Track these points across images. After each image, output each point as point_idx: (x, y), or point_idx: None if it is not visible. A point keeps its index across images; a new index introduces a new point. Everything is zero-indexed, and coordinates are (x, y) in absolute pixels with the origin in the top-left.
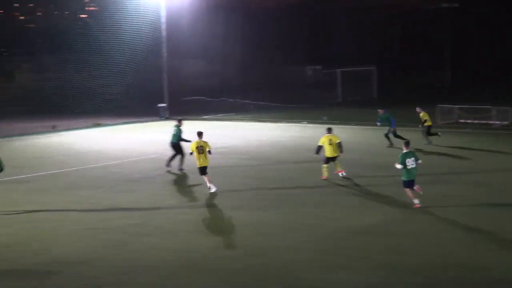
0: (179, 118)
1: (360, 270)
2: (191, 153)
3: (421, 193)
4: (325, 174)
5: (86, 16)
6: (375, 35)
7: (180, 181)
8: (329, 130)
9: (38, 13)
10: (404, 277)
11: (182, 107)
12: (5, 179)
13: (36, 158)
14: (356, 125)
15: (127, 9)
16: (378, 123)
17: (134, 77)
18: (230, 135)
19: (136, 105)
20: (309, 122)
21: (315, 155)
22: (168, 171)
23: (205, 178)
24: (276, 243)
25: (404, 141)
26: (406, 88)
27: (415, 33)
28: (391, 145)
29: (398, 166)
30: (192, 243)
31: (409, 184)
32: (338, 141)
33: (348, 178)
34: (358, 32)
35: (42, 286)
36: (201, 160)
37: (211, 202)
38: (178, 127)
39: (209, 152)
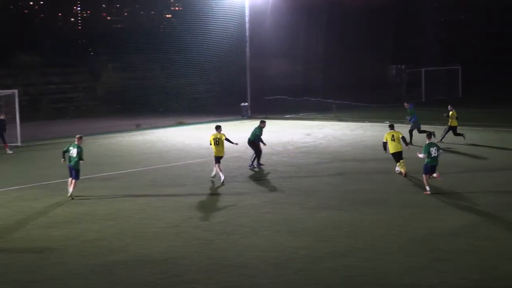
0: (263, 119)
1: (449, 273)
2: (210, 144)
3: (440, 179)
4: (402, 170)
5: (170, 16)
6: (460, 34)
7: (263, 180)
8: (391, 127)
9: (125, 14)
10: (499, 283)
11: (264, 106)
12: (89, 176)
13: (120, 156)
14: (440, 124)
15: (212, 8)
16: (409, 119)
17: (217, 76)
18: (312, 135)
19: (219, 104)
20: (391, 122)
21: (384, 152)
22: (252, 169)
23: (217, 166)
24: (361, 244)
25: (427, 133)
26: (492, 88)
27: (500, 31)
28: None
29: (421, 155)
30: (275, 242)
31: (431, 168)
32: (401, 135)
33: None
34: (443, 31)
35: (124, 283)
36: (217, 150)
37: (294, 201)
38: (260, 128)
39: (227, 139)
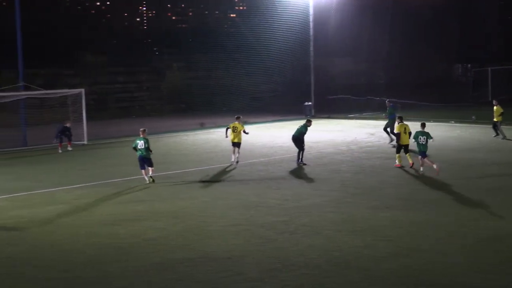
0: (309, 119)
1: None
2: (227, 129)
3: (435, 166)
4: (410, 160)
5: (235, 15)
6: None
7: (325, 179)
8: (401, 119)
9: (189, 13)
10: None
11: (327, 105)
12: (154, 174)
13: (184, 154)
14: (507, 124)
15: (276, 8)
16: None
17: (280, 75)
18: (376, 134)
19: (281, 103)
20: (457, 122)
21: (395, 143)
22: (301, 165)
23: (235, 150)
24: (425, 244)
25: (421, 123)
26: None
27: None
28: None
29: (412, 140)
30: (337, 242)
31: (422, 154)
32: (409, 130)
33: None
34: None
35: (186, 281)
36: (233, 136)
37: (357, 200)
38: (306, 126)
39: (244, 131)
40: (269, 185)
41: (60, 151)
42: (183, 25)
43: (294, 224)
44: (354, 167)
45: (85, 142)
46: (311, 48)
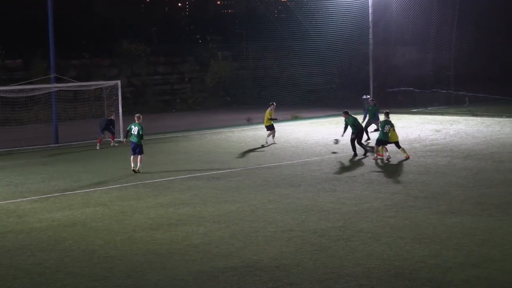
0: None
1: None
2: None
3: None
4: (405, 154)
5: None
6: None
7: (386, 181)
8: (387, 115)
9: None
10: None
11: (388, 99)
12: (196, 174)
13: (229, 153)
14: None
15: None
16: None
17: (337, 66)
18: (442, 131)
19: (338, 96)
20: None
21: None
22: (373, 171)
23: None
24: (497, 253)
25: (385, 111)
26: None
27: None
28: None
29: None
30: (399, 250)
31: (381, 142)
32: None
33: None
34: None
35: None
36: (265, 122)
37: (421, 204)
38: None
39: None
40: (323, 187)
41: (98, 147)
42: (229, 11)
43: (350, 230)
44: (418, 167)
45: (122, 139)
46: (370, 36)
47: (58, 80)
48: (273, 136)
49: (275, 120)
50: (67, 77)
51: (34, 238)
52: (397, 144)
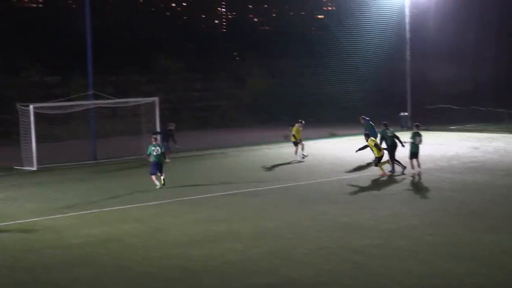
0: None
1: None
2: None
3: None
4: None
5: (323, 16)
6: None
7: (424, 198)
8: (417, 127)
9: (273, 14)
10: None
11: (425, 116)
12: (233, 191)
13: (267, 169)
14: None
15: (368, 8)
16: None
17: (373, 83)
18: (481, 149)
19: (375, 113)
20: None
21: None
22: (410, 188)
23: (296, 147)
24: None
25: (415, 123)
26: None
27: None
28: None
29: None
30: (437, 268)
31: (414, 155)
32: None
33: None
34: None
35: None
36: (293, 137)
37: (459, 222)
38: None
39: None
40: (361, 204)
41: (168, 160)
42: (266, 28)
43: (388, 248)
44: (456, 184)
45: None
46: (408, 53)
47: (96, 96)
48: (302, 149)
49: (296, 141)
50: (104, 94)
51: (71, 254)
52: (376, 160)
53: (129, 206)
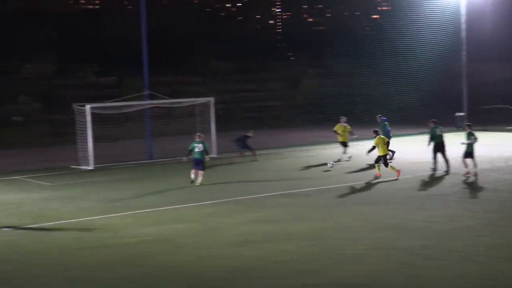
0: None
1: None
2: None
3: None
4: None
5: (378, 16)
6: None
7: (480, 199)
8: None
9: (327, 15)
10: None
11: (482, 116)
12: (288, 192)
13: (320, 170)
14: None
15: (423, 8)
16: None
17: (429, 83)
18: None
19: (430, 114)
20: None
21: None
22: (465, 188)
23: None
24: None
25: (467, 123)
26: None
27: None
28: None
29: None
30: (491, 270)
31: (469, 155)
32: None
33: None
34: None
35: None
36: (342, 137)
37: None
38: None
39: (350, 132)
40: (413, 204)
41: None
42: (320, 28)
43: (441, 249)
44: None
45: (215, 156)
46: (464, 53)
47: (151, 97)
48: (343, 152)
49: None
50: (159, 94)
51: (125, 253)
52: (378, 158)
53: (183, 205)
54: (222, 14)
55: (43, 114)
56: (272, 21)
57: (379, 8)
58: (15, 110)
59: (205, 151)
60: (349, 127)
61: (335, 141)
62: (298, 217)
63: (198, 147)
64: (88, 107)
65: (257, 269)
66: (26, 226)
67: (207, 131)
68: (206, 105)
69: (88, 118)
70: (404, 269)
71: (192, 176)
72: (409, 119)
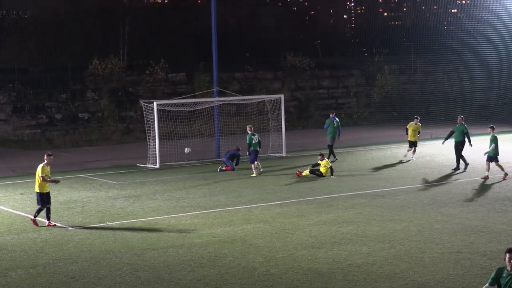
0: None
1: None
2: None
3: None
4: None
5: (456, 10)
6: None
7: None
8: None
9: (404, 9)
10: None
11: None
12: (360, 192)
13: (395, 170)
14: None
15: (505, 1)
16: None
17: (511, 80)
18: None
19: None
20: None
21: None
22: None
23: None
24: None
25: (490, 126)
26: None
27: None
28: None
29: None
30: None
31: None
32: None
33: None
34: None
35: None
36: (412, 136)
37: None
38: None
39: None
40: (493, 207)
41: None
42: (397, 22)
43: None
44: None
45: (284, 155)
46: None
47: (220, 93)
48: (413, 152)
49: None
50: (229, 91)
51: (194, 254)
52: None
53: (253, 205)
54: (294, 8)
55: (111, 111)
56: (346, 16)
57: (458, 1)
58: (82, 107)
59: (259, 142)
60: (419, 127)
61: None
62: (371, 218)
63: (254, 139)
64: (155, 103)
65: (331, 272)
66: (92, 225)
67: (277, 129)
68: (276, 102)
69: (155, 115)
70: (483, 274)
71: (254, 171)
72: (491, 118)
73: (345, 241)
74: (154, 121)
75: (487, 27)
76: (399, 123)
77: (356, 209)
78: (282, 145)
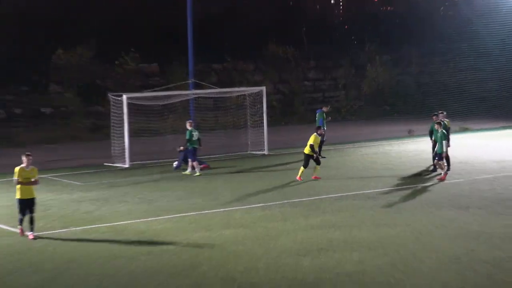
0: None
1: None
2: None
3: None
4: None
5: None
6: None
7: None
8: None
9: None
10: None
11: None
12: (352, 193)
13: (388, 169)
14: None
15: None
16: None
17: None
18: None
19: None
20: None
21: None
22: None
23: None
24: None
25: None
26: None
27: None
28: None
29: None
30: None
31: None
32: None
33: None
34: None
35: None
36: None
37: None
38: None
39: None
40: (495, 210)
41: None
42: (389, 8)
43: None
44: None
45: (265, 153)
46: None
47: (196, 86)
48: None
49: None
50: (206, 83)
51: (166, 262)
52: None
53: (232, 208)
54: None
55: (77, 105)
56: (333, 1)
57: None
58: (44, 101)
59: (199, 139)
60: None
61: (404, 137)
62: (362, 223)
63: (194, 135)
64: (124, 97)
65: (318, 282)
66: (54, 231)
67: (259, 125)
68: (258, 95)
69: (125, 110)
70: (485, 284)
71: (197, 168)
72: (489, 111)
73: (333, 248)
74: (123, 116)
75: (487, 13)
76: (391, 117)
77: (345, 212)
78: (264, 142)
